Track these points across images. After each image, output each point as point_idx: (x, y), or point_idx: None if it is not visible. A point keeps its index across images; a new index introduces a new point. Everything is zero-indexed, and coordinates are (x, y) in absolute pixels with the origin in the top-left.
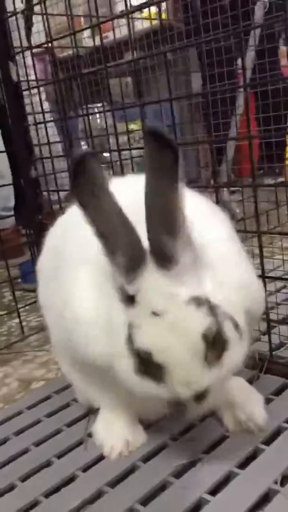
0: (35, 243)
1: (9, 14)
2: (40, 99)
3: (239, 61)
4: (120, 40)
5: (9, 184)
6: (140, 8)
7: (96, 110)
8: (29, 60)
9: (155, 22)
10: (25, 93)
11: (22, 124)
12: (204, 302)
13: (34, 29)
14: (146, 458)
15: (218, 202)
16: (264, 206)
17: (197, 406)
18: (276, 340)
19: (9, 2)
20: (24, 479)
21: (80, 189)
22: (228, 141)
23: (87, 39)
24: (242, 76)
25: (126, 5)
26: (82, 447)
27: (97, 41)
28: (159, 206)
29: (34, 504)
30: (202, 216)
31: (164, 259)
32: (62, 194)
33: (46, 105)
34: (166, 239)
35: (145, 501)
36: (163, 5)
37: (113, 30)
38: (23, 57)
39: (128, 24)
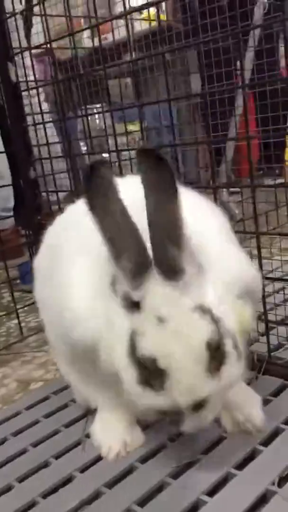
0: (34, 244)
1: (8, 15)
2: (39, 100)
3: (239, 62)
4: (120, 41)
5: (9, 185)
6: (138, 9)
7: (95, 111)
8: (28, 61)
9: (154, 23)
10: (24, 94)
11: (21, 125)
12: (208, 311)
13: (33, 30)
14: (144, 459)
15: (216, 202)
16: (264, 207)
17: (193, 417)
18: (274, 341)
19: (8, 3)
20: (21, 479)
21: (91, 194)
22: (227, 142)
23: (87, 40)
24: (241, 77)
25: (124, 6)
26: (80, 447)
27: (97, 42)
28: (161, 220)
29: (32, 504)
30: (192, 209)
31: (171, 271)
32: (61, 194)
33: (45, 106)
34: (171, 251)
35: (142, 502)
36: (162, 6)
37: (112, 31)
38: (22, 58)
39: (127, 25)
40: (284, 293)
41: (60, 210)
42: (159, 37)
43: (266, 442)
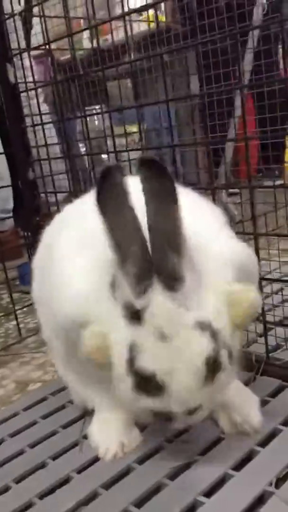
0: (33, 245)
1: (6, 16)
2: (38, 101)
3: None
4: (120, 42)
5: (8, 186)
6: (136, 10)
7: (94, 112)
8: (27, 62)
9: (154, 24)
10: (23, 95)
11: (19, 126)
12: (208, 327)
13: (32, 31)
14: (141, 460)
15: (215, 203)
16: (264, 209)
17: (185, 418)
18: (272, 342)
19: (7, 3)
20: (18, 480)
21: (103, 199)
22: (226, 143)
23: (86, 41)
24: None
25: (122, 7)
26: (77, 448)
27: (96, 43)
28: (161, 227)
29: (29, 505)
30: (191, 209)
31: (170, 278)
32: (60, 195)
33: (45, 107)
34: (171, 258)
35: (139, 503)
36: (162, 6)
37: (111, 32)
38: (21, 59)
39: (125, 26)
40: (282, 294)
41: (59, 211)
42: (157, 38)
43: (264, 443)
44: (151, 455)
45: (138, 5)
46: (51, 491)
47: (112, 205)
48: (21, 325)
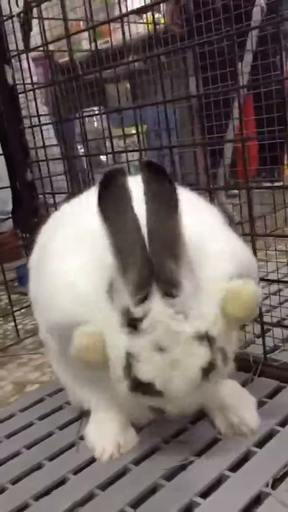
0: (31, 246)
1: (5, 18)
2: (36, 102)
3: (239, 65)
4: (119, 45)
5: (7, 187)
6: (133, 12)
7: (92, 113)
8: (26, 64)
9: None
10: (22, 96)
11: (18, 127)
12: (205, 336)
13: (33, 32)
14: (138, 461)
15: (213, 204)
16: (263, 210)
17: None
18: (270, 343)
19: (5, 3)
20: (14, 482)
21: (104, 203)
22: (225, 144)
23: (86, 42)
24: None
25: (120, 8)
26: (73, 449)
27: (99, 45)
28: (160, 233)
29: (24, 506)
30: (190, 209)
31: (169, 284)
32: (58, 196)
33: (44, 109)
34: (169, 264)
35: (135, 504)
36: (161, 8)
37: (110, 34)
38: (19, 61)
39: (122, 28)
40: (279, 295)
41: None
42: (154, 39)
43: (260, 444)
44: (147, 456)
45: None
46: (47, 492)
47: (115, 210)
48: (19, 327)
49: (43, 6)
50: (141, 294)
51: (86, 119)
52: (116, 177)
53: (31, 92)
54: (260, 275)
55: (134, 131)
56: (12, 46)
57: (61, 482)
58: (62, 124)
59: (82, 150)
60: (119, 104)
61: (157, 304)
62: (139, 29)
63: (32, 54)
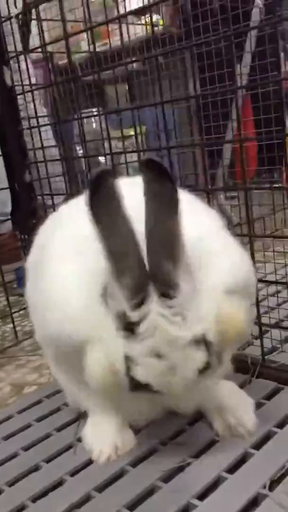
0: (29, 248)
1: (3, 19)
2: (34, 103)
3: (238, 67)
4: (118, 47)
5: (6, 188)
6: (131, 12)
7: (90, 114)
8: (24, 65)
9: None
10: (21, 97)
11: (16, 128)
12: (202, 340)
13: (32, 33)
14: (135, 463)
15: (212, 205)
16: (263, 212)
17: None
18: (268, 344)
19: (3, 5)
20: (11, 483)
21: (95, 206)
22: (224, 145)
23: (85, 44)
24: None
25: (118, 10)
26: (71, 451)
27: (98, 47)
28: (159, 233)
29: (21, 508)
30: (189, 212)
31: (167, 286)
32: (56, 198)
33: (43, 110)
34: (167, 265)
35: (133, 506)
36: (160, 9)
37: (109, 36)
38: (18, 62)
39: (120, 28)
40: (278, 297)
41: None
42: (152, 40)
43: (258, 446)
44: (145, 458)
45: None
46: (44, 494)
47: (106, 213)
48: (17, 328)
49: (41, 7)
50: (137, 299)
51: (85, 120)
52: (106, 179)
53: (30, 93)
54: (258, 276)
55: (133, 133)
56: (10, 48)
57: (58, 483)
58: (61, 125)
59: (81, 151)
60: (117, 105)
61: (154, 306)
62: (137, 30)
63: (32, 56)
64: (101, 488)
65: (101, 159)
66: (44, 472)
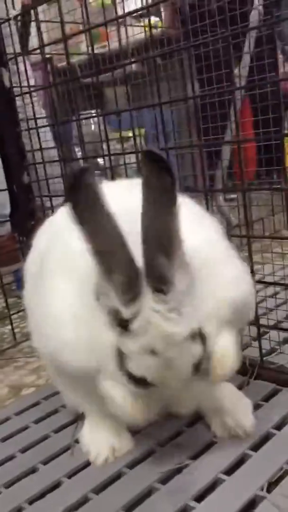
0: (28, 249)
1: (2, 20)
2: (32, 105)
3: (236, 70)
4: (117, 49)
5: (4, 190)
6: (129, 13)
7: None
8: (25, 67)
9: (153, 30)
10: (20, 99)
11: (14, 130)
12: (198, 334)
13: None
14: (133, 464)
15: (208, 207)
16: (262, 213)
17: None
18: (266, 345)
19: (1, 6)
20: (8, 485)
21: (76, 205)
22: (223, 146)
23: (84, 45)
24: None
25: (116, 11)
26: (68, 453)
27: (97, 49)
28: (155, 228)
29: (18, 510)
30: (189, 221)
31: (160, 281)
32: (55, 199)
33: (42, 111)
34: (162, 260)
35: (130, 507)
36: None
37: (107, 37)
38: (16, 63)
39: (118, 29)
40: (276, 298)
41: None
42: (151, 42)
43: (256, 447)
44: (142, 459)
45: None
46: (41, 496)
47: (88, 212)
48: (16, 330)
49: (40, 8)
50: (129, 295)
51: (83, 121)
52: (85, 176)
53: (29, 95)
54: (257, 277)
55: (130, 135)
56: (9, 49)
57: (56, 485)
58: (59, 127)
59: (80, 153)
60: (116, 107)
61: (147, 302)
62: (136, 32)
63: (32, 59)
64: (98, 490)
65: (100, 160)
66: (41, 474)
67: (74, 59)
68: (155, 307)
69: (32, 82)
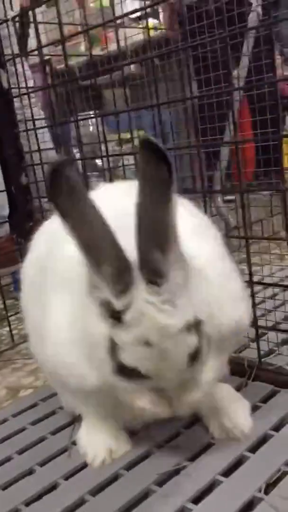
0: (26, 251)
1: (0, 22)
2: (30, 106)
3: (235, 71)
4: (116, 52)
5: (3, 191)
6: (126, 14)
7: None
8: (23, 68)
9: (152, 32)
10: (18, 100)
11: (12, 131)
12: (192, 325)
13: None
14: (130, 466)
15: (206, 208)
16: (261, 215)
17: None
18: (265, 347)
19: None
20: (5, 487)
21: (58, 198)
22: (221, 147)
23: (84, 48)
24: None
25: (114, 12)
26: (65, 455)
27: (95, 51)
28: (150, 219)
29: None
30: (192, 232)
31: (154, 274)
32: None
33: (41, 113)
34: (156, 253)
35: (127, 509)
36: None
37: (106, 39)
38: (15, 65)
39: (116, 31)
40: (274, 299)
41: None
42: (148, 40)
43: (254, 449)
44: (139, 461)
45: (134, 14)
46: (38, 497)
47: (71, 205)
48: (14, 331)
49: (39, 10)
50: (119, 285)
51: (81, 123)
52: (64, 168)
53: (27, 96)
54: (256, 279)
55: (128, 136)
56: (7, 51)
57: (53, 487)
58: (58, 128)
59: (78, 154)
60: (115, 108)
61: (140, 294)
62: (135, 34)
63: (31, 60)
64: (95, 492)
65: (98, 161)
66: (38, 476)
67: (73, 61)
68: (149, 298)
69: (31, 84)
